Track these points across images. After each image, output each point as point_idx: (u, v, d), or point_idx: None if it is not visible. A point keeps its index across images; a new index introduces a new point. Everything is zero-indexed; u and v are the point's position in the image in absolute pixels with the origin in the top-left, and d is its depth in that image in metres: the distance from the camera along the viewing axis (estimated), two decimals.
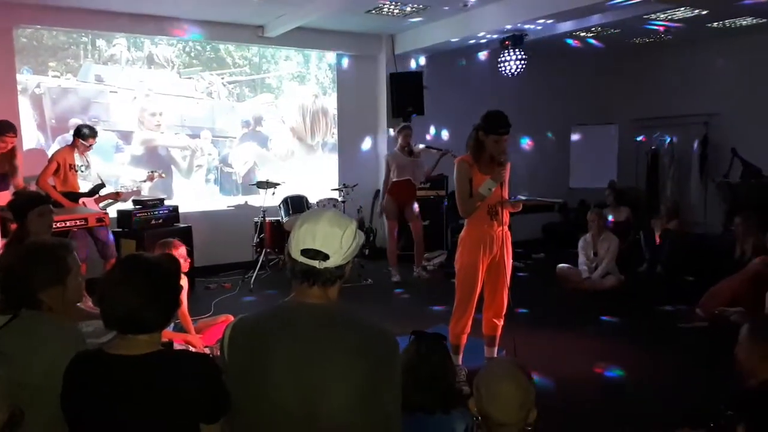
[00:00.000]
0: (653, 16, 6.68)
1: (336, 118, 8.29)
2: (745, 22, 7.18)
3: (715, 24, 7.26)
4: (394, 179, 6.78)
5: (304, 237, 1.55)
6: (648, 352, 4.55)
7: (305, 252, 1.54)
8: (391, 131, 8.23)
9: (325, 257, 1.54)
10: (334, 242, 1.55)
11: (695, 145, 8.35)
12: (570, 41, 8.11)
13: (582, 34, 7.63)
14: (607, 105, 9.38)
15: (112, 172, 6.74)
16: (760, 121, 7.73)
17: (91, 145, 5.74)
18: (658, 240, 7.10)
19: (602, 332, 5.03)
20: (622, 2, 5.77)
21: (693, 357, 4.43)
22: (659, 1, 5.69)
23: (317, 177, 8.06)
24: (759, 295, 4.59)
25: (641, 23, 7.09)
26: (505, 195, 3.73)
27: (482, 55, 8.40)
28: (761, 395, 1.85)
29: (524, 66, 7.33)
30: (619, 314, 5.46)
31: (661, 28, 7.42)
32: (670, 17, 6.81)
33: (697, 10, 6.49)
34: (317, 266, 1.54)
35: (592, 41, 8.15)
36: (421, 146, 7.01)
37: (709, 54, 8.31)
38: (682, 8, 6.37)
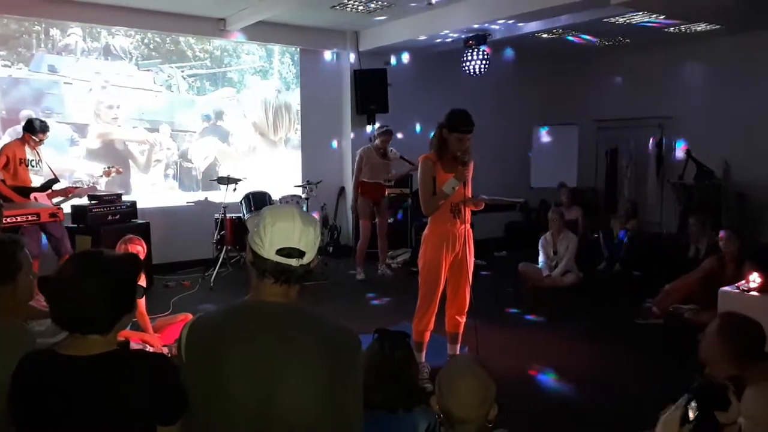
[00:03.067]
0: (613, 20, 6.82)
1: (299, 114, 8.22)
2: (700, 28, 7.40)
3: (672, 29, 7.46)
4: (365, 179, 6.77)
5: (280, 235, 1.51)
6: (606, 347, 4.65)
7: (282, 251, 1.51)
8: (352, 134, 8.24)
9: (302, 255, 1.53)
10: (309, 240, 1.54)
11: (651, 146, 8.57)
12: (532, 42, 8.22)
13: (544, 35, 7.74)
14: (568, 106, 9.54)
15: (66, 166, 6.53)
16: (712, 124, 7.98)
17: (41, 140, 5.53)
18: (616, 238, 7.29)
19: (562, 328, 5.11)
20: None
21: (649, 352, 4.55)
22: (620, 4, 5.81)
23: (280, 173, 7.98)
24: (711, 293, 4.73)
25: (601, 26, 7.23)
26: (468, 194, 3.75)
27: (447, 55, 8.43)
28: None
29: (487, 66, 7.41)
30: (578, 311, 5.57)
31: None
32: (628, 21, 6.97)
33: (654, 15, 6.66)
34: (294, 264, 1.52)
35: (556, 42, 8.28)
36: (397, 154, 6.92)
37: (666, 58, 8.54)
38: (641, 12, 6.52)
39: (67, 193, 5.76)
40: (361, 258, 6.87)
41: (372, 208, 6.82)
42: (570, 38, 7.97)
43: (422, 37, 7.44)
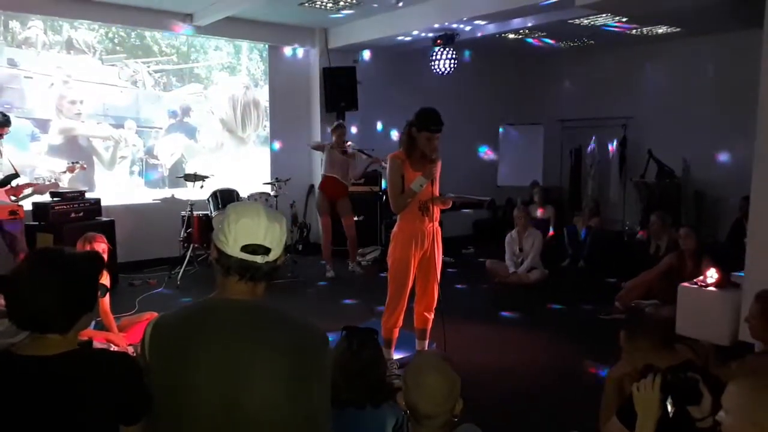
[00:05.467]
0: (577, 21, 6.95)
1: (268, 111, 8.16)
2: (661, 30, 7.60)
3: (634, 31, 7.63)
4: (324, 173, 6.79)
5: (244, 232, 1.50)
6: (571, 342, 4.74)
7: (246, 247, 1.50)
8: (328, 129, 8.20)
9: (267, 252, 1.51)
10: (275, 236, 1.53)
11: (614, 146, 8.76)
12: (499, 43, 8.31)
13: (511, 35, 7.84)
14: (534, 106, 9.68)
15: (27, 162, 6.36)
16: (672, 124, 8.20)
17: (1, 135, 5.37)
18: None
19: (528, 324, 5.20)
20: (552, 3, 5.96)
21: (612, 346, 4.64)
22: (584, 6, 5.92)
23: (248, 170, 7.91)
24: (672, 288, 4.87)
25: (566, 27, 7.35)
26: (436, 192, 3.79)
27: (415, 53, 8.47)
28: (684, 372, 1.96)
29: (455, 65, 7.47)
30: (543, 306, 5.67)
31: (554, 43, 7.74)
32: (592, 23, 7.10)
33: (617, 17, 6.81)
34: (259, 261, 1.51)
35: (522, 43, 8.39)
36: (355, 148, 6.93)
37: (628, 59, 8.73)
38: (604, 14, 6.66)
39: (34, 189, 5.60)
40: (327, 254, 6.86)
41: (328, 202, 6.80)
42: (529, 41, 8.10)
43: (390, 36, 7.47)
